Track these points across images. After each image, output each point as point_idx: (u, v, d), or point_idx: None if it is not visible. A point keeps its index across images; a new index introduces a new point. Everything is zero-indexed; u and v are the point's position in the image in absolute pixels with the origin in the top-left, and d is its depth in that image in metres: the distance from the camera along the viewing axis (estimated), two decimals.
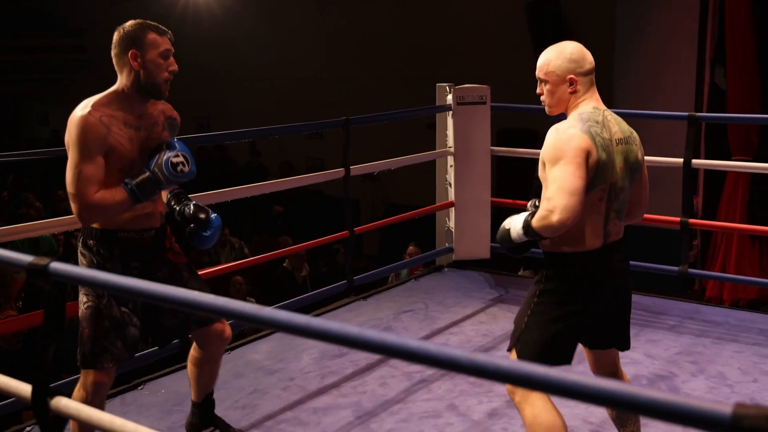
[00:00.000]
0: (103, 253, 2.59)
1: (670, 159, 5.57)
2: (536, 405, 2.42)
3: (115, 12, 11.44)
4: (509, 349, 2.57)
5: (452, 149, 5.00)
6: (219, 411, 3.07)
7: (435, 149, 5.13)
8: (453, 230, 5.08)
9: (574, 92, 2.49)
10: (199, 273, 4.08)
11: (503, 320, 4.41)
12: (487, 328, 4.30)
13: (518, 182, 9.08)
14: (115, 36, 2.55)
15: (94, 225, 2.58)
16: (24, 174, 9.13)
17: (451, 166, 5.05)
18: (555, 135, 2.42)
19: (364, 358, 3.81)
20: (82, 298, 2.57)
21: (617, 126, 2.50)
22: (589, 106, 2.49)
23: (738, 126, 5.96)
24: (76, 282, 2.02)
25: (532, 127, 8.90)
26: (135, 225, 2.63)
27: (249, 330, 4.65)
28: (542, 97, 2.56)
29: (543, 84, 2.54)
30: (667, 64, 6.68)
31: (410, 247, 6.92)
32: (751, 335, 4.12)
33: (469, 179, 4.99)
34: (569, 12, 8.61)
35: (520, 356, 2.50)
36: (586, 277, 2.48)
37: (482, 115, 4.94)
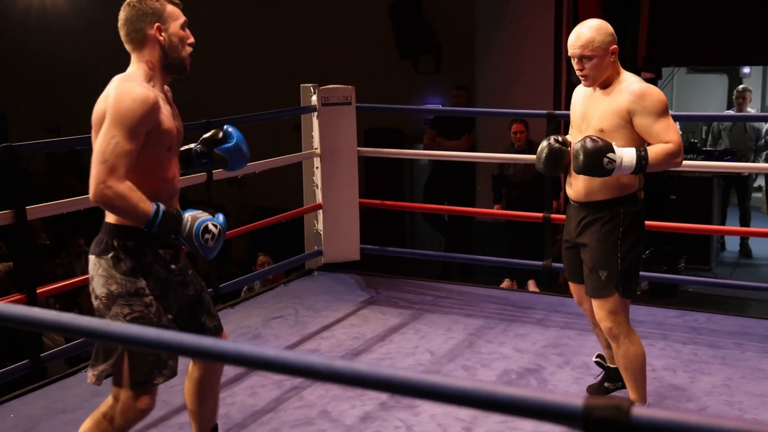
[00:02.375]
0: (147, 255, 2.34)
1: (530, 156, 5.71)
2: (634, 340, 2.95)
3: None
4: (604, 295, 2.91)
5: (318, 150, 4.92)
6: None
7: (301, 151, 5.04)
8: (322, 233, 5.00)
9: (614, 61, 2.83)
10: (53, 287, 3.90)
11: (374, 322, 4.38)
12: (358, 331, 4.25)
13: (386, 182, 9.18)
14: (128, 11, 2.35)
15: (130, 223, 2.30)
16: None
17: (317, 167, 4.97)
18: (652, 89, 2.82)
19: (232, 368, 3.66)
20: (121, 309, 2.29)
21: None
22: (625, 72, 2.87)
23: None
24: None
25: (398, 126, 8.96)
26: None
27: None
28: (583, 72, 2.84)
29: (586, 60, 2.81)
30: (525, 62, 6.86)
31: (261, 257, 6.75)
32: None
33: (337, 181, 4.92)
34: (431, 12, 8.71)
35: (623, 292, 2.91)
36: (643, 213, 2.98)
37: (348, 115, 4.89)
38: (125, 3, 2.37)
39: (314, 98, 4.88)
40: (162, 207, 2.27)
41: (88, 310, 6.05)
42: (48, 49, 11.59)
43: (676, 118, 9.11)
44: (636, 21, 6.05)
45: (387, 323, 4.36)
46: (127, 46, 2.38)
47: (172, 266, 2.42)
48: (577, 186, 2.96)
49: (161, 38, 2.34)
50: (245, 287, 5.96)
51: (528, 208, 5.36)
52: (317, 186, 4.99)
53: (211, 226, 2.34)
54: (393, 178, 8.66)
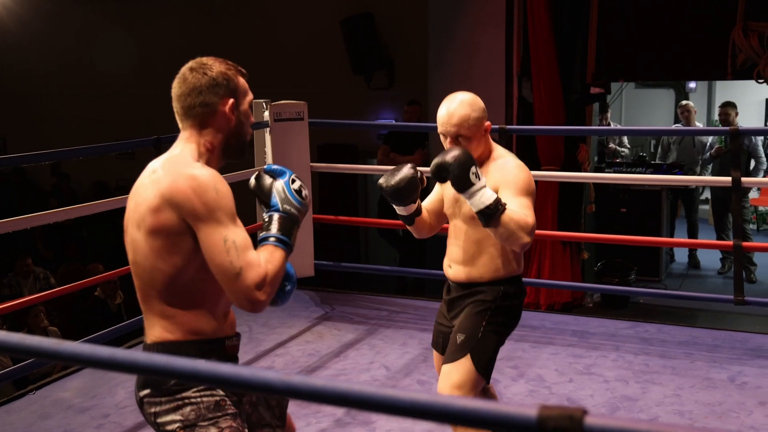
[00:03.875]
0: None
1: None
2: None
3: None
4: (457, 358, 2.62)
5: None
6: None
7: (254, 167, 5.00)
8: None
9: (487, 138, 2.66)
10: (0, 306, 3.79)
11: (329, 338, 4.35)
12: (313, 347, 4.23)
13: (340, 198, 9.16)
14: (198, 78, 1.94)
15: (190, 336, 1.89)
16: None
17: None
18: (518, 166, 2.60)
19: None
20: (199, 424, 1.87)
21: None
22: (499, 147, 2.71)
23: (545, 137, 6.26)
24: None
25: (352, 142, 8.96)
26: (231, 324, 2.00)
27: (58, 367, 4.31)
28: None
29: (463, 139, 2.59)
30: (477, 77, 6.91)
31: None
32: (565, 337, 4.31)
33: None
34: (383, 28, 8.76)
35: (476, 362, 2.61)
36: (522, 299, 2.76)
37: (300, 131, 4.88)
38: (187, 67, 1.97)
39: (266, 114, 4.86)
40: (271, 234, 1.90)
41: (37, 330, 5.91)
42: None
43: (625, 132, 9.30)
44: (585, 37, 6.15)
45: (342, 339, 4.34)
46: (183, 120, 1.96)
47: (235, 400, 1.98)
48: (457, 268, 2.74)
49: (233, 117, 1.95)
50: None
51: None
52: None
53: (293, 185, 1.97)
54: (347, 194, 8.64)
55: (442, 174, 2.46)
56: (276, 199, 1.93)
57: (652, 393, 3.60)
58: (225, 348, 1.94)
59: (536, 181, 6.67)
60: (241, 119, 1.98)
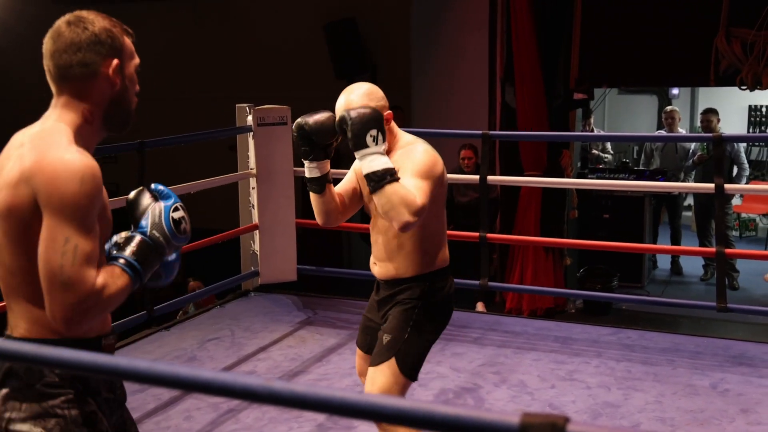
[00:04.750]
0: (92, 378, 1.68)
1: (467, 176, 5.76)
2: None
3: None
4: (382, 360, 2.54)
5: (254, 171, 4.86)
6: None
7: (237, 171, 4.97)
8: (258, 253, 4.93)
9: (390, 129, 2.55)
10: None
11: (312, 343, 4.32)
12: (295, 352, 4.20)
13: None
14: (77, 33, 1.65)
15: (63, 334, 1.62)
16: None
17: (253, 188, 4.90)
18: (427, 151, 2.49)
19: (167, 391, 3.59)
20: None
21: None
22: (406, 134, 2.61)
23: (528, 143, 6.27)
24: None
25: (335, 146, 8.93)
26: (105, 321, 1.76)
27: None
28: None
29: None
30: (460, 82, 6.91)
31: (191, 282, 6.66)
32: (548, 343, 4.31)
33: (273, 201, 4.87)
34: (366, 31, 8.75)
35: (401, 365, 2.54)
36: (452, 292, 2.67)
37: (284, 135, 4.85)
38: (64, 20, 1.69)
39: (250, 118, 4.83)
40: (125, 256, 1.67)
41: None
42: None
43: (608, 138, 9.30)
44: (568, 42, 6.17)
45: (324, 344, 4.31)
46: (58, 84, 1.69)
47: (116, 383, 1.80)
48: (381, 265, 2.64)
49: (117, 80, 1.70)
50: (180, 311, 5.83)
51: (472, 229, 5.39)
52: (253, 206, 4.92)
53: (174, 213, 1.76)
54: None
55: (342, 126, 2.40)
56: (147, 221, 1.73)
57: (634, 399, 3.59)
58: (101, 347, 1.72)
59: (519, 187, 6.68)
60: (126, 84, 1.72)
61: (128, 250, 1.67)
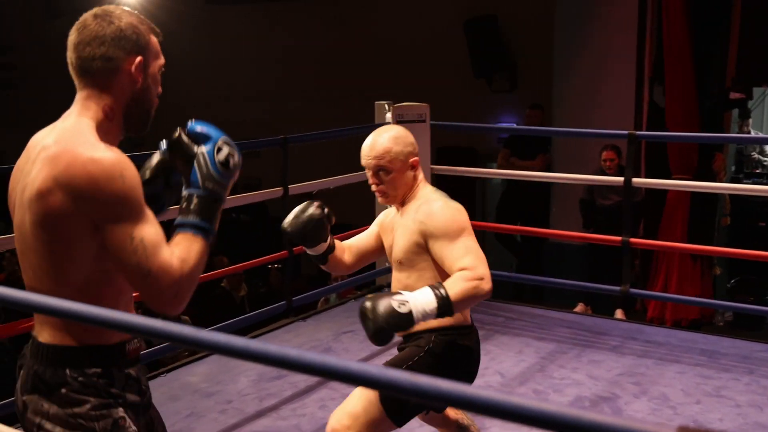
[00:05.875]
0: (117, 384, 1.67)
1: (610, 178, 5.55)
2: None
3: (44, 30, 11.10)
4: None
5: None
6: None
7: None
8: None
9: (415, 176, 2.46)
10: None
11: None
12: None
13: (458, 201, 9.10)
14: (102, 27, 1.63)
15: (84, 342, 1.63)
16: None
17: None
18: (444, 208, 2.36)
19: (303, 380, 3.70)
20: None
21: None
22: (428, 186, 2.49)
23: (677, 145, 5.99)
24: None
25: (471, 145, 8.87)
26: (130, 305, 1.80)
27: (183, 352, 4.50)
28: (379, 187, 2.44)
29: (384, 173, 2.42)
30: (605, 81, 6.69)
31: None
32: (693, 356, 4.08)
33: None
34: (507, 29, 8.63)
35: (384, 398, 2.32)
36: (474, 351, 2.46)
37: (421, 133, 4.84)
38: (91, 13, 1.66)
39: (388, 115, 4.87)
40: (189, 219, 1.64)
41: (171, 318, 6.15)
42: None
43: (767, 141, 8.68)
44: (725, 39, 5.85)
45: None
46: (80, 77, 1.65)
47: (143, 386, 1.77)
48: None
49: (140, 78, 1.66)
50: (321, 299, 5.98)
51: (613, 233, 5.21)
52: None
53: (218, 156, 1.67)
54: (465, 197, 8.56)
55: (365, 324, 2.19)
56: (196, 174, 1.65)
57: None
58: (126, 353, 1.69)
59: (665, 191, 6.37)
60: (149, 84, 1.68)
61: (192, 214, 1.63)
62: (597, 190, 6.03)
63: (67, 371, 1.61)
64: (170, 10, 11.35)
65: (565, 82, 7.23)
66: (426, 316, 2.16)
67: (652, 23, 6.17)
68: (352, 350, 4.18)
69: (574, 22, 7.11)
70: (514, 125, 8.75)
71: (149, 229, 1.56)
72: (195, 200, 1.63)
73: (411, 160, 2.43)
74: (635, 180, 4.57)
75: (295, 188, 4.49)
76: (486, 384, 3.74)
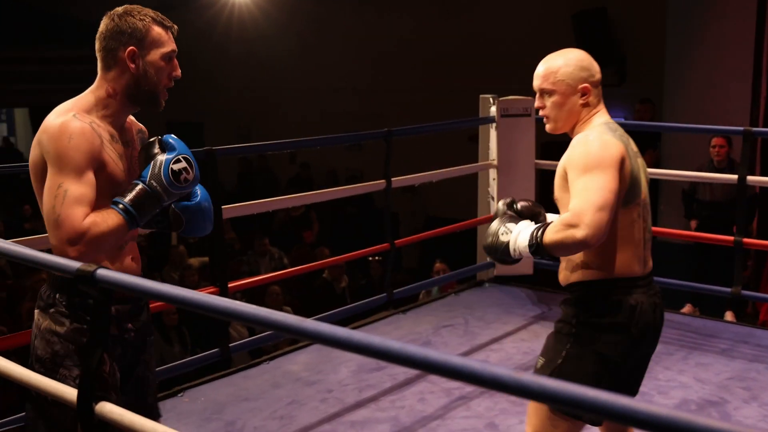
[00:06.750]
0: (89, 318, 1.91)
1: (724, 176, 5.37)
2: None
3: None
4: None
5: (495, 162, 4.88)
6: (256, 421, 3.04)
7: (475, 162, 5.02)
8: None
9: (585, 104, 2.23)
10: (237, 283, 4.12)
11: (545, 338, 4.27)
12: (528, 346, 4.17)
13: None
14: (107, 24, 1.99)
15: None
16: None
17: (494, 179, 4.93)
18: (585, 142, 2.13)
19: (403, 372, 3.73)
20: (69, 372, 1.94)
21: (631, 140, 2.29)
22: (604, 119, 2.23)
23: None
24: (123, 288, 1.74)
25: None
26: (125, 265, 2.04)
27: (284, 341, 4.62)
28: (544, 111, 2.27)
29: (547, 96, 2.25)
30: (721, 75, 6.46)
31: (437, 264, 6.81)
32: None
33: (512, 193, 4.79)
34: (617, 21, 8.44)
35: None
36: (633, 311, 2.18)
37: (526, 127, 4.83)
38: (108, 13, 2.01)
39: (493, 109, 4.86)
40: (122, 201, 1.91)
41: (272, 305, 6.36)
42: (245, 57, 12.29)
43: None
44: None
45: None
46: (98, 64, 2.02)
47: (128, 325, 2.04)
48: (559, 267, 2.31)
49: (132, 66, 1.97)
50: (423, 291, 6.04)
51: (718, 230, 5.04)
52: (492, 197, 4.95)
53: (174, 165, 1.95)
54: None
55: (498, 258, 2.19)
56: (148, 171, 1.95)
57: None
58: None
59: None
60: (146, 68, 1.97)
61: (126, 197, 1.92)
62: (701, 182, 5.84)
63: (58, 296, 1.96)
64: (281, 4, 11.63)
65: (678, 75, 7.02)
66: (520, 252, 2.12)
67: None
68: (452, 344, 4.21)
69: (688, 12, 6.89)
70: (622, 120, 8.55)
71: (78, 188, 1.86)
72: (135, 189, 1.93)
73: (581, 86, 2.21)
74: (750, 178, 4.42)
75: (397, 181, 4.54)
76: None
